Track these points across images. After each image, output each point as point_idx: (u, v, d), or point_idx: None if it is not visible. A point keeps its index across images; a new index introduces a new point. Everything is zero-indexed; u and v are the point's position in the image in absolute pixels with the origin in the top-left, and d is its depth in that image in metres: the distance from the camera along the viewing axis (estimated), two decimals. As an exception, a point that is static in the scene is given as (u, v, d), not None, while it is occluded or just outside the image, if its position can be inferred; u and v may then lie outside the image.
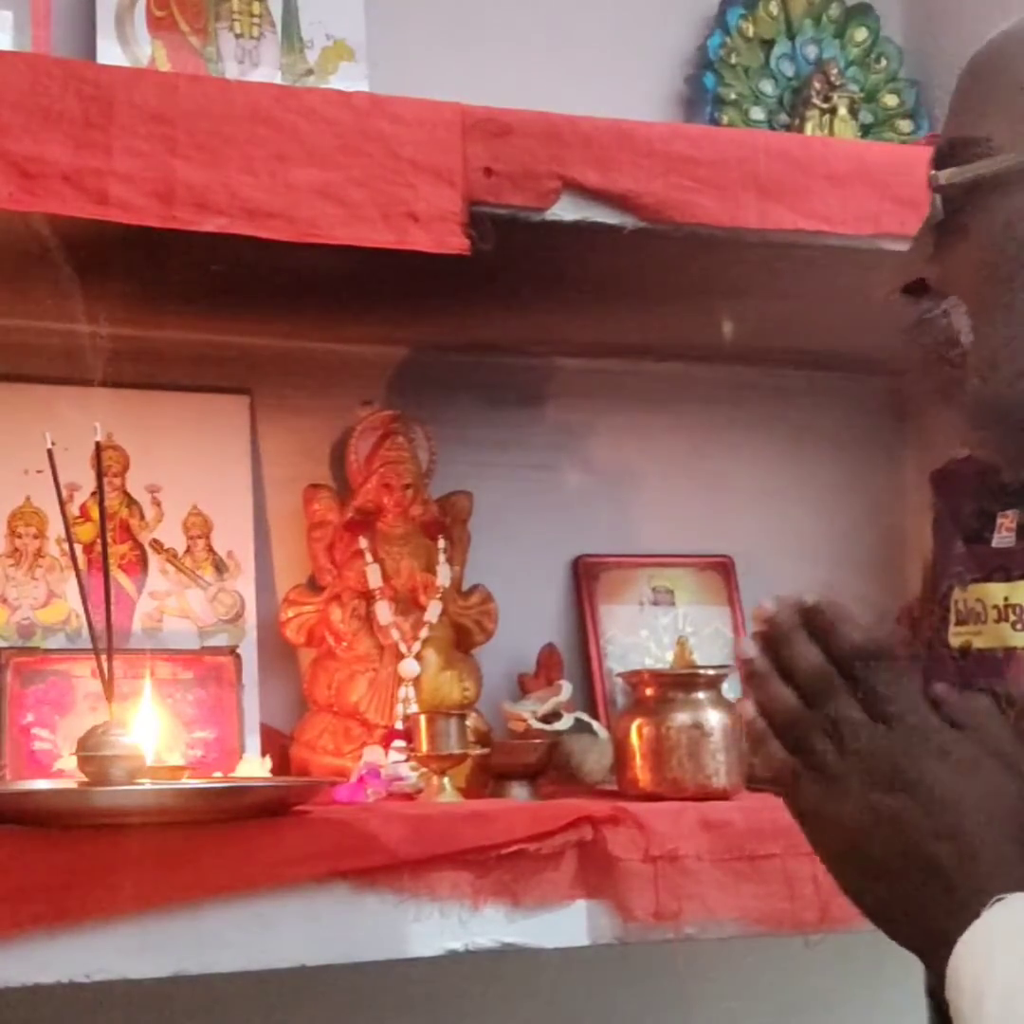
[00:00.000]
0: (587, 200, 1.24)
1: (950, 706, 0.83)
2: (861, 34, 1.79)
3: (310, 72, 1.57)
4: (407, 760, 1.37)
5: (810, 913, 1.21)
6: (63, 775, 1.29)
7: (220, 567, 1.49)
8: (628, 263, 1.36)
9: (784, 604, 0.84)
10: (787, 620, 0.83)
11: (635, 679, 1.39)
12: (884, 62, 1.79)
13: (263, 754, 1.41)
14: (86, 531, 1.43)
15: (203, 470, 1.50)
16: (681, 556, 1.72)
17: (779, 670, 0.83)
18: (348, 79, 1.56)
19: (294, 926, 1.12)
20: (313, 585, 1.53)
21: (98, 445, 1.20)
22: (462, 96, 1.22)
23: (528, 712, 1.50)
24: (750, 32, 1.75)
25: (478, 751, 1.36)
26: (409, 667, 1.47)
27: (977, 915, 0.75)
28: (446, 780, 1.33)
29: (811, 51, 1.77)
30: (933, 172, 0.84)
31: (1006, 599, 1.51)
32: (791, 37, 1.77)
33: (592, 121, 1.25)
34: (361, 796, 1.32)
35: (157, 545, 1.48)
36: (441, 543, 1.53)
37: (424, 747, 1.32)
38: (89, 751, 1.10)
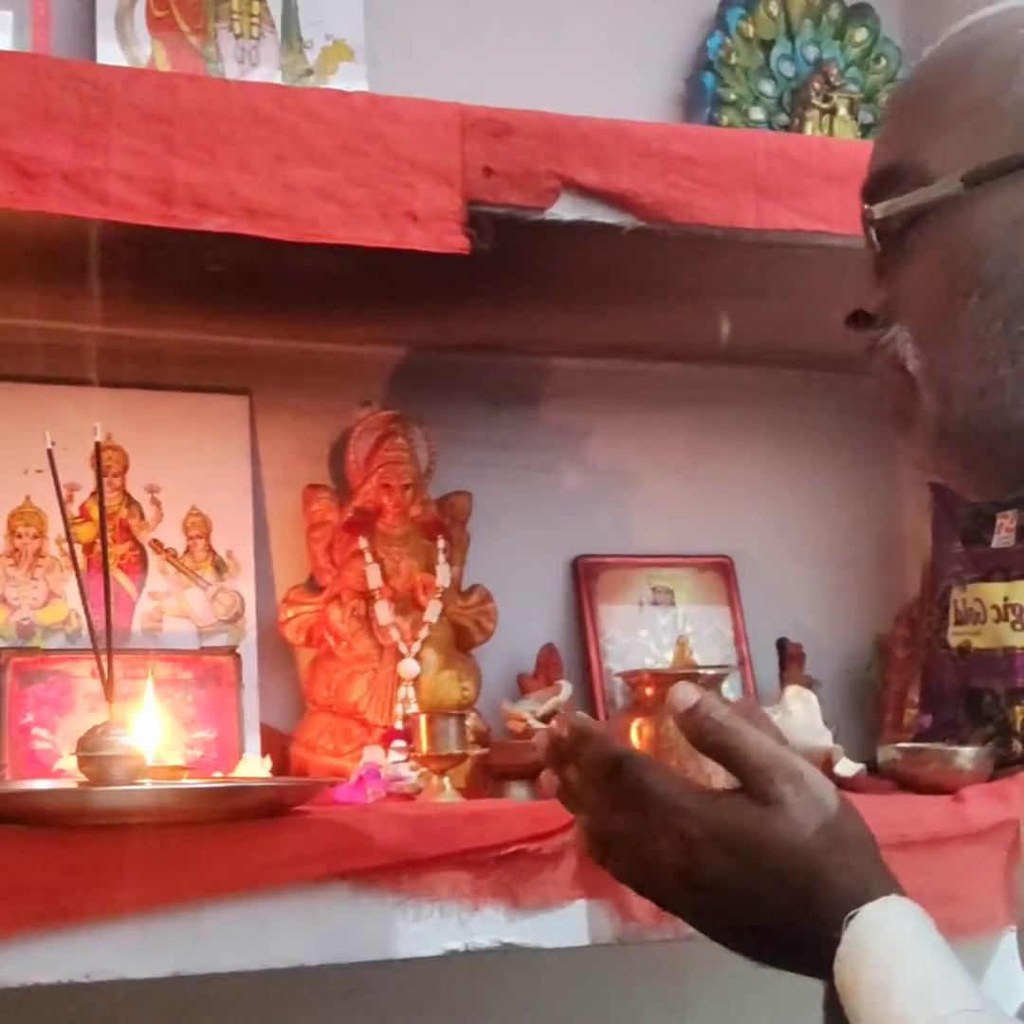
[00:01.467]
0: (586, 200, 1.24)
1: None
2: (861, 34, 1.80)
3: (310, 72, 1.57)
4: (407, 760, 1.37)
5: (810, 913, 1.21)
6: (63, 775, 1.29)
7: (220, 567, 1.49)
8: (627, 263, 1.36)
9: (548, 735, 0.92)
10: (550, 750, 0.91)
11: (635, 679, 1.39)
12: (884, 62, 1.79)
13: (263, 754, 1.40)
14: (86, 531, 1.43)
15: (203, 470, 1.50)
16: (681, 556, 1.72)
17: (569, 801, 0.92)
18: (348, 79, 1.56)
19: (293, 926, 1.12)
20: (313, 585, 1.53)
21: (98, 445, 1.20)
22: (461, 96, 1.22)
23: (527, 712, 1.50)
24: (750, 33, 1.75)
25: (478, 751, 1.36)
26: (409, 667, 1.47)
27: (839, 936, 0.79)
28: (446, 780, 1.33)
29: (811, 52, 1.77)
30: (867, 206, 0.84)
31: (1005, 599, 1.52)
32: (791, 38, 1.77)
33: (591, 121, 1.25)
34: (361, 796, 1.32)
35: (157, 545, 1.48)
36: (441, 543, 1.53)
37: (424, 747, 1.32)
38: (89, 751, 1.10)
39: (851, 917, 0.79)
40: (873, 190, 0.86)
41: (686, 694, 0.86)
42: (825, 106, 1.71)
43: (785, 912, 0.82)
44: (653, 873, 0.86)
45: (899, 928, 0.78)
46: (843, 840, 0.82)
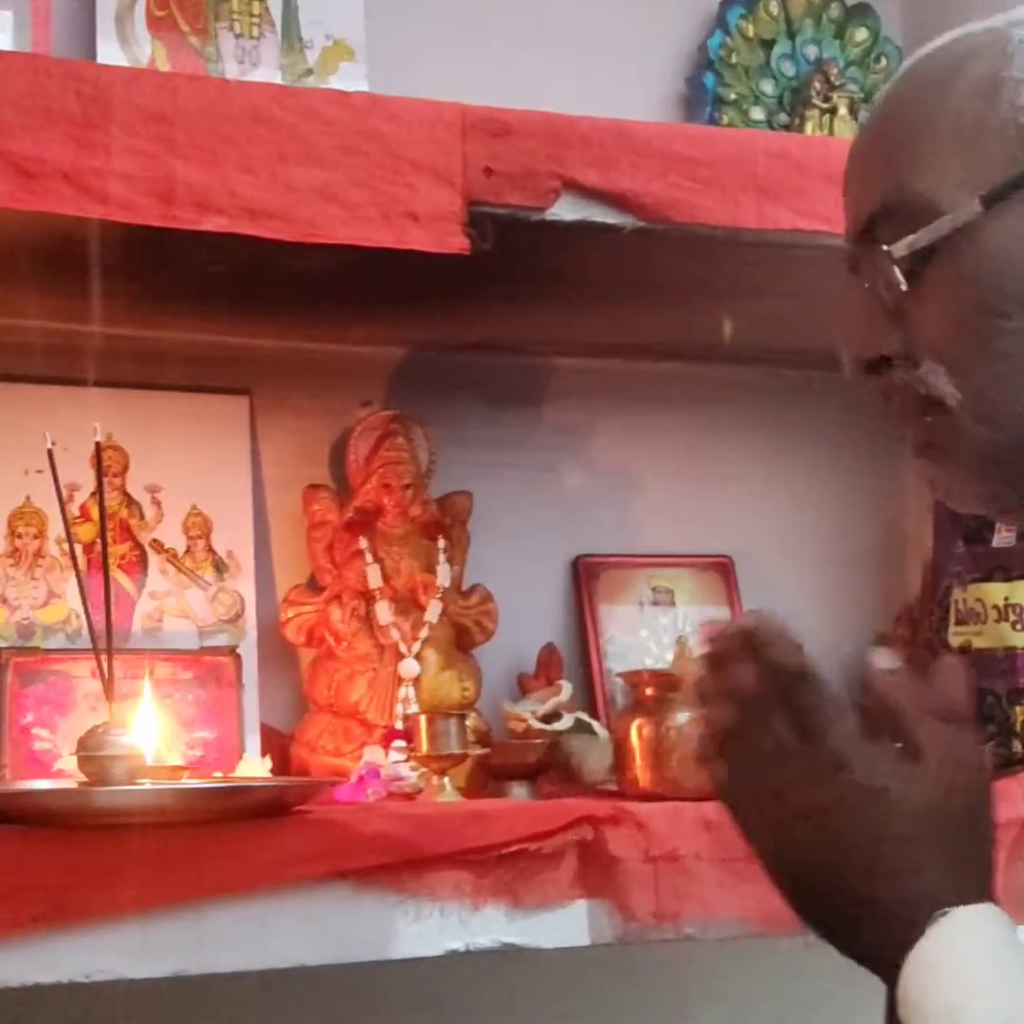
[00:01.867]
0: (587, 200, 1.24)
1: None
2: (861, 34, 1.80)
3: (310, 72, 1.57)
4: (407, 760, 1.37)
5: (810, 913, 1.21)
6: (63, 775, 1.29)
7: (220, 567, 1.49)
8: (628, 263, 1.36)
9: (730, 626, 0.88)
10: (728, 642, 0.86)
11: (635, 679, 1.39)
12: (884, 62, 1.79)
13: (263, 754, 1.40)
14: (86, 531, 1.43)
15: (203, 470, 1.50)
16: (681, 556, 1.72)
17: (724, 690, 0.85)
18: (348, 79, 1.56)
19: (294, 926, 1.12)
20: (313, 585, 1.53)
21: (98, 445, 1.19)
22: (462, 96, 1.22)
23: (528, 712, 1.50)
24: (750, 32, 1.75)
25: (478, 751, 1.36)
26: (409, 667, 1.47)
27: (921, 932, 0.76)
28: (446, 780, 1.33)
29: (811, 51, 1.77)
30: (884, 247, 0.82)
31: (1006, 599, 1.52)
32: (791, 37, 1.77)
33: (592, 121, 1.25)
34: (361, 796, 1.32)
35: (157, 545, 1.48)
36: (441, 543, 1.53)
37: (424, 747, 1.32)
38: (89, 751, 1.10)
39: (942, 914, 0.76)
40: (877, 231, 0.84)
41: (888, 659, 0.85)
42: (825, 106, 1.70)
43: (885, 881, 0.78)
44: (772, 785, 0.82)
45: (984, 941, 0.75)
46: (966, 832, 0.79)
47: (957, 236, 0.80)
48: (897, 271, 0.82)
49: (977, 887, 0.78)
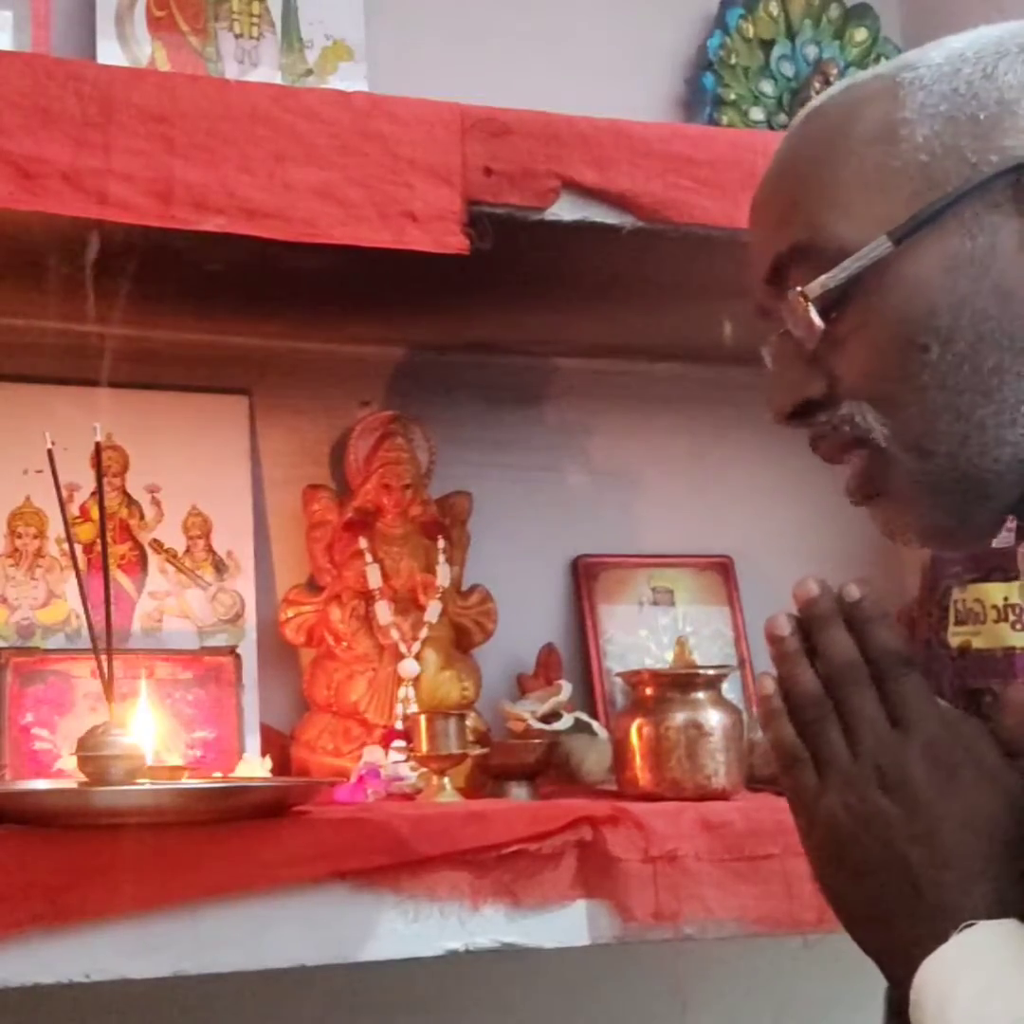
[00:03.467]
0: (586, 200, 1.24)
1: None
2: (861, 34, 1.80)
3: (309, 72, 1.57)
4: (407, 760, 1.37)
5: (809, 913, 1.21)
6: (63, 775, 1.29)
7: (220, 567, 1.49)
8: (627, 263, 1.36)
9: (827, 590, 0.85)
10: (827, 607, 0.84)
11: (635, 679, 1.39)
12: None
13: (263, 754, 1.41)
14: (86, 531, 1.43)
15: (203, 470, 1.50)
16: (681, 556, 1.72)
17: (808, 653, 0.84)
18: (347, 79, 1.56)
19: (294, 926, 1.12)
20: (313, 585, 1.54)
21: (98, 445, 1.19)
22: (461, 96, 1.22)
23: (527, 712, 1.50)
24: (750, 33, 1.75)
25: (477, 751, 1.36)
26: (409, 667, 1.47)
27: (944, 936, 0.75)
28: (446, 780, 1.33)
29: (811, 52, 1.77)
30: (797, 289, 0.82)
31: (1005, 599, 1.52)
32: (791, 38, 1.77)
33: (591, 121, 1.25)
34: (361, 796, 1.32)
35: (157, 545, 1.48)
36: (441, 543, 1.53)
37: (424, 747, 1.32)
38: (89, 751, 1.10)
39: (969, 925, 0.75)
40: (787, 275, 0.84)
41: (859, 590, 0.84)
42: (825, 106, 1.70)
43: (930, 888, 0.77)
44: (844, 763, 0.80)
45: (1005, 952, 0.75)
46: (1013, 848, 0.78)
47: (869, 274, 0.80)
48: (813, 312, 0.82)
49: (1014, 904, 0.77)
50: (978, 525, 0.86)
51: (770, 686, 0.84)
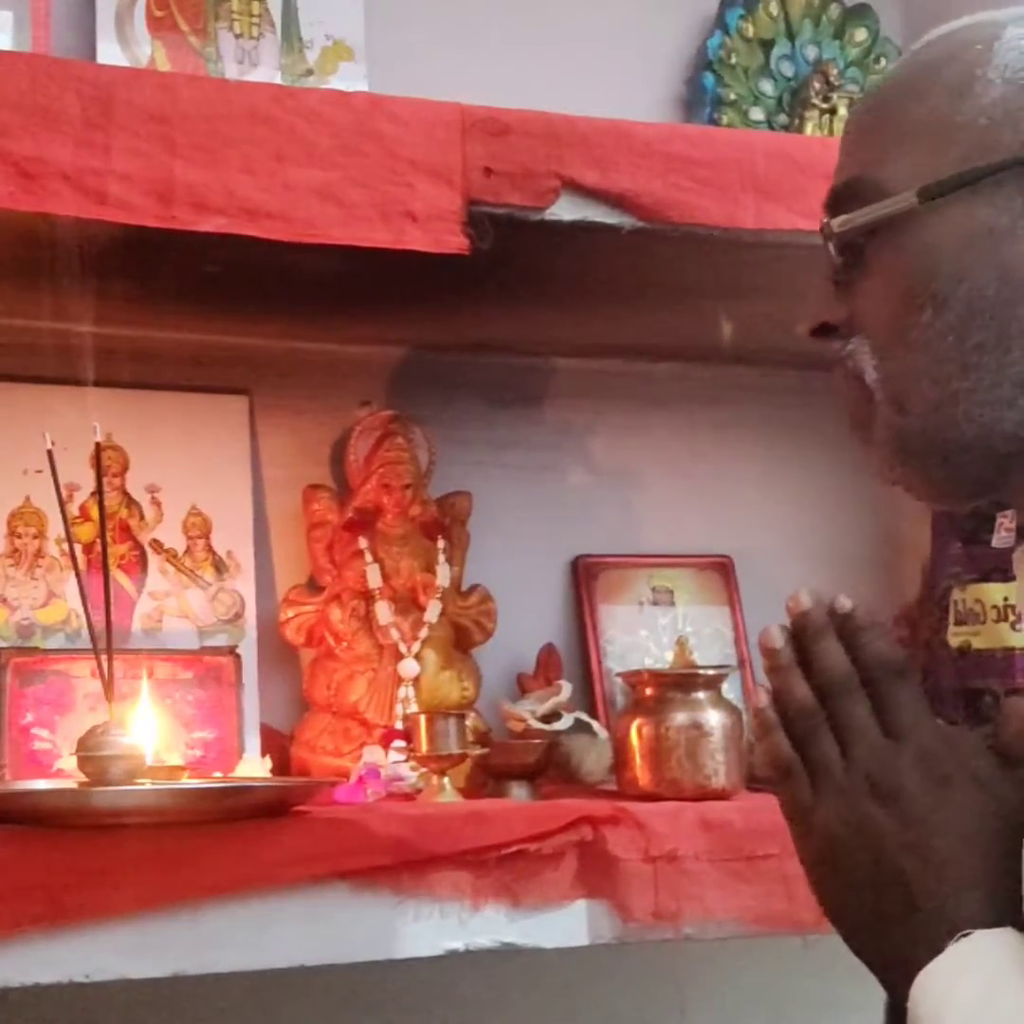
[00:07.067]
0: (586, 200, 1.24)
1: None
2: (860, 34, 1.80)
3: (309, 72, 1.57)
4: (407, 760, 1.37)
5: (808, 913, 1.21)
6: (63, 775, 1.29)
7: (220, 567, 1.49)
8: (627, 263, 1.36)
9: (819, 601, 0.85)
10: (819, 618, 0.84)
11: (635, 679, 1.39)
12: (883, 62, 1.79)
13: (263, 754, 1.41)
14: (86, 531, 1.43)
15: (202, 470, 1.50)
16: (681, 556, 1.72)
17: (801, 665, 0.83)
18: (347, 79, 1.56)
19: (293, 926, 1.12)
20: (313, 585, 1.54)
21: (98, 445, 1.20)
22: (461, 96, 1.22)
23: (527, 712, 1.50)
24: (750, 33, 1.75)
25: (477, 751, 1.36)
26: (408, 667, 1.47)
27: (940, 946, 0.75)
28: (446, 780, 1.33)
29: (810, 52, 1.77)
30: (825, 220, 0.85)
31: (1005, 599, 1.52)
32: (790, 38, 1.77)
33: (591, 121, 1.25)
34: (361, 796, 1.32)
35: (157, 545, 1.48)
36: (441, 543, 1.53)
37: (424, 747, 1.32)
38: (89, 751, 1.10)
39: (965, 935, 0.75)
40: (833, 204, 0.86)
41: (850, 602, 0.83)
42: (825, 106, 1.71)
43: (923, 897, 0.77)
44: (837, 773, 0.80)
45: (1000, 962, 0.74)
46: (1010, 859, 0.77)
47: (895, 225, 0.82)
48: (831, 245, 0.84)
49: (1008, 912, 0.76)
50: (944, 492, 0.86)
51: (764, 698, 0.84)
